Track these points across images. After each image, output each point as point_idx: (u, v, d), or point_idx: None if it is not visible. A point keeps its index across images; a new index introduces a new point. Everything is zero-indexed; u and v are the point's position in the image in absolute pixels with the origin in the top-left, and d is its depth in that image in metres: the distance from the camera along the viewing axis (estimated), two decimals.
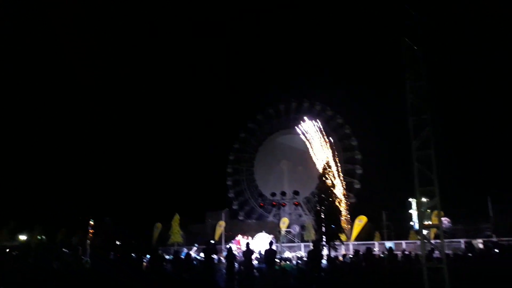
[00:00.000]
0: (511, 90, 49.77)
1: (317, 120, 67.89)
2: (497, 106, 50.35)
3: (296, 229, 61.86)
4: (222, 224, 54.91)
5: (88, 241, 51.11)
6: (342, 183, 63.31)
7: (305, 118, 67.62)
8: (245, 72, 75.34)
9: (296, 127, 71.08)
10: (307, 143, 68.47)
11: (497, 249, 24.99)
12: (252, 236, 54.81)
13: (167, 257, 32.78)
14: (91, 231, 52.93)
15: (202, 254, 37.58)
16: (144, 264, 26.32)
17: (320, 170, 63.44)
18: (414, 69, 19.23)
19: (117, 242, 58.87)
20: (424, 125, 18.61)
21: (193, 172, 71.99)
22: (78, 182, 59.33)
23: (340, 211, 57.14)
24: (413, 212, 60.21)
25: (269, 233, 53.65)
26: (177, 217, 57.63)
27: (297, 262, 31.47)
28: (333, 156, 65.27)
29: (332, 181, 47.65)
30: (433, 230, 35.33)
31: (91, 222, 53.97)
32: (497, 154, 50.85)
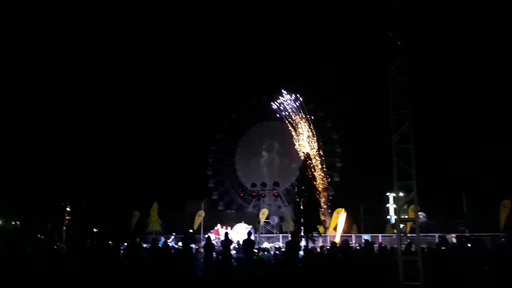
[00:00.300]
0: (492, 86, 50.76)
1: (300, 112, 68.06)
2: (478, 102, 51.31)
3: (275, 220, 62.21)
4: (201, 214, 54.76)
5: (64, 228, 50.33)
6: (322, 175, 63.86)
7: (289, 110, 67.71)
8: (227, 63, 74.71)
9: (277, 118, 71.15)
10: (289, 134, 68.67)
11: (469, 243, 25.65)
12: (231, 226, 54.90)
13: (144, 245, 32.57)
14: (67, 217, 52.14)
15: (180, 243, 37.52)
16: (121, 252, 26.10)
17: (301, 162, 63.87)
18: (396, 64, 19.40)
19: (94, 229, 58.26)
20: (405, 120, 18.87)
21: (174, 161, 71.50)
22: (55, 168, 58.17)
23: (319, 203, 57.73)
24: (390, 206, 61.31)
25: (248, 224, 53.82)
26: (155, 206, 57.20)
27: (275, 253, 31.72)
28: (314, 148, 65.68)
29: (312, 173, 47.85)
30: (409, 224, 35.97)
31: (68, 209, 53.14)
32: (474, 151, 52.03)
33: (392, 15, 19.51)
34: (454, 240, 38.94)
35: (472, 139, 52.09)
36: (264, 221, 54.43)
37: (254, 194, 46.57)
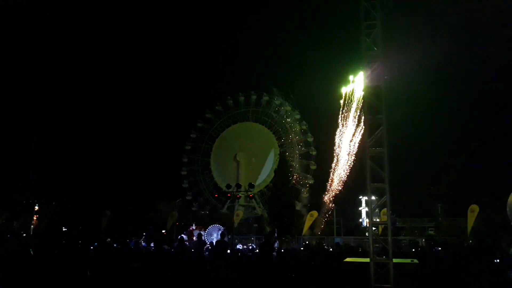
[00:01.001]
0: (466, 91, 52.23)
1: (277, 114, 68.35)
2: (451, 108, 52.69)
3: (250, 221, 62.19)
4: (174, 215, 54.10)
5: (32, 226, 48.84)
6: (296, 177, 64.26)
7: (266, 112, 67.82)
8: (205, 62, 74.21)
9: (253, 119, 71.23)
10: (265, 135, 68.86)
11: (438, 247, 26.28)
12: (205, 228, 54.52)
13: (115, 245, 31.92)
14: (35, 216, 50.62)
15: (152, 244, 36.96)
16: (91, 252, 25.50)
17: (277, 164, 64.08)
18: (372, 69, 19.66)
19: (64, 228, 56.73)
20: (379, 125, 19.15)
21: (147, 160, 70.42)
22: (22, 163, 56.33)
23: (294, 206, 58.08)
24: (363, 209, 62.31)
25: (222, 225, 53.57)
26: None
27: (248, 254, 31.62)
28: (292, 149, 66.03)
29: (287, 175, 48.12)
30: (381, 227, 36.46)
31: (36, 207, 51.60)
32: (445, 157, 53.42)
33: (368, 21, 19.81)
34: (423, 244, 39.85)
35: (443, 145, 53.51)
36: (238, 223, 54.23)
37: (229, 195, 46.30)
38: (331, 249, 32.39)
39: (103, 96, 69.84)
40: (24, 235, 47.63)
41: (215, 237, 52.50)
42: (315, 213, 56.09)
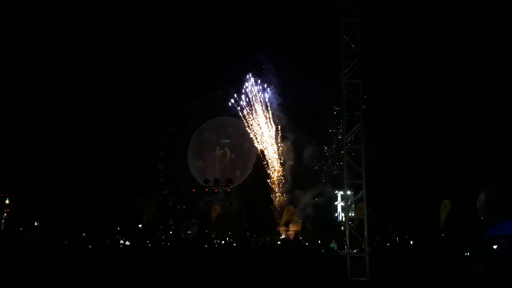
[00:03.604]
0: (443, 89, 53.24)
1: (255, 109, 68.26)
2: (427, 105, 53.67)
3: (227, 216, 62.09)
4: (150, 210, 53.56)
5: (3, 221, 47.46)
6: (275, 172, 64.45)
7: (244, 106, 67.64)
8: (182, 56, 73.29)
9: (232, 114, 70.94)
10: (243, 130, 68.74)
11: (412, 240, 26.97)
12: (182, 223, 54.23)
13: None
14: (6, 210, 49.17)
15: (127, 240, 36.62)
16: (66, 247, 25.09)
17: (255, 159, 64.22)
18: (350, 66, 19.93)
19: (36, 223, 55.34)
20: (356, 121, 19.46)
21: (123, 155, 69.15)
22: None
23: (271, 201, 58.45)
24: (339, 204, 63.03)
25: (199, 220, 53.41)
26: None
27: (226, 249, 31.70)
28: (271, 144, 66.08)
29: (265, 171, 48.31)
30: (356, 222, 37.07)
31: (7, 201, 50.14)
32: (418, 153, 54.46)
33: (347, 19, 20.03)
34: (397, 238, 40.79)
35: (417, 141, 54.42)
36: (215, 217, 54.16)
37: (206, 190, 46.15)
38: (306, 244, 32.84)
39: (77, 89, 68.00)
40: None
41: (192, 232, 52.47)
42: (291, 208, 56.61)
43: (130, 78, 71.62)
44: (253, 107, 67.26)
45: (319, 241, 36.90)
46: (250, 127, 68.00)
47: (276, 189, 62.16)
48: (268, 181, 60.00)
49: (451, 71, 53.33)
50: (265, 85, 65.65)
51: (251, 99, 67.41)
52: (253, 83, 66.66)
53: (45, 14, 59.06)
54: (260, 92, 66.86)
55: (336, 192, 61.89)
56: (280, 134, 65.31)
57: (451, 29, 50.61)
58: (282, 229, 51.86)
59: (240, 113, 68.77)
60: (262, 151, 60.43)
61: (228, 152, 71.38)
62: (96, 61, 67.10)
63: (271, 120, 65.94)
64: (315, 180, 58.48)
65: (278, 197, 62.22)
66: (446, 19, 49.50)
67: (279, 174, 62.90)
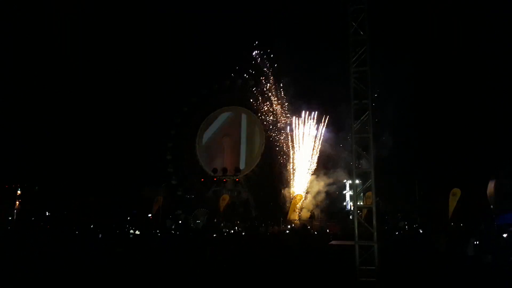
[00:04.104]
0: (450, 79, 52.64)
1: (262, 98, 67.99)
2: (436, 94, 53.11)
3: (236, 205, 62.34)
4: (159, 199, 53.92)
5: (15, 211, 48.23)
6: (282, 161, 64.29)
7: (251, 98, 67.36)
8: (189, 46, 72.92)
9: (239, 103, 70.80)
10: (251, 119, 68.66)
11: (421, 229, 26.87)
12: (191, 212, 54.59)
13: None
14: (18, 200, 49.94)
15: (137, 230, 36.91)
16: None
17: (263, 148, 64.15)
18: (358, 54, 19.69)
19: (47, 213, 56.14)
20: (365, 110, 19.27)
21: (132, 146, 69.57)
22: (6, 147, 55.11)
23: (280, 190, 58.50)
24: (347, 193, 62.91)
25: (208, 210, 53.74)
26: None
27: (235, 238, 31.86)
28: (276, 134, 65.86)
29: (273, 159, 48.18)
30: (365, 211, 36.96)
31: (18, 192, 50.89)
32: (427, 142, 54.07)
33: (356, 6, 19.74)
34: (407, 227, 40.68)
35: (427, 130, 54.06)
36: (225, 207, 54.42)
37: (215, 179, 46.30)
38: (315, 232, 32.88)
39: (86, 82, 68.30)
40: (10, 218, 47.16)
41: (201, 221, 52.81)
42: (299, 196, 56.64)
43: (138, 69, 71.69)
44: (265, 95, 66.85)
45: (327, 230, 36.98)
46: (259, 116, 67.84)
47: (287, 177, 61.75)
48: (277, 170, 59.82)
49: (461, 58, 52.60)
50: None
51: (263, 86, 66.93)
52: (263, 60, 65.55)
53: (45, 14, 59.18)
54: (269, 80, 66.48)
55: (345, 181, 61.69)
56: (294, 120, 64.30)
57: (459, 17, 49.80)
58: (292, 217, 51.92)
59: (248, 102, 68.68)
60: (271, 140, 60.22)
61: (237, 142, 71.41)
62: (103, 53, 67.17)
63: (284, 106, 65.23)
64: (330, 168, 58.01)
65: (287, 185, 62.02)
66: (455, 8, 48.72)
67: (291, 161, 62.23)
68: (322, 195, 56.44)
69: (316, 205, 57.32)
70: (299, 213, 55.51)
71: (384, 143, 46.71)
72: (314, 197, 57.04)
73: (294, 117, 61.10)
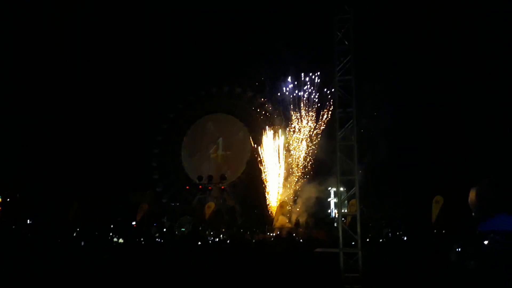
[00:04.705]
0: (436, 87, 53.50)
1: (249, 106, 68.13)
2: (419, 101, 53.93)
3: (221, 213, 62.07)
4: (144, 207, 53.42)
5: None
6: (267, 169, 64.32)
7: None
8: (176, 53, 72.78)
9: (225, 111, 70.79)
10: (236, 127, 68.67)
11: (404, 236, 27.20)
12: (176, 220, 54.13)
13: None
14: None
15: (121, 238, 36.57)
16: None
17: (248, 155, 64.03)
18: (343, 63, 20.00)
19: (28, 221, 55.01)
20: (349, 118, 19.56)
21: (117, 152, 68.80)
22: None
23: (265, 197, 58.47)
24: (332, 200, 63.19)
25: (193, 217, 53.35)
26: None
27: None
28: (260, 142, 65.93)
29: (259, 167, 48.16)
30: (349, 218, 37.24)
31: None
32: (410, 149, 54.80)
33: (341, 15, 20.08)
34: (390, 234, 41.06)
35: (410, 138, 54.70)
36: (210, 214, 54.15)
37: (200, 187, 46.10)
38: (301, 240, 32.99)
39: (70, 86, 67.49)
40: None
41: (186, 229, 52.43)
42: (285, 203, 56.69)
43: (124, 76, 71.13)
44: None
45: (312, 237, 37.10)
46: (246, 123, 67.89)
47: (273, 184, 61.65)
48: (264, 177, 59.75)
49: (445, 69, 53.64)
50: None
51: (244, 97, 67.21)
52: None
53: (45, 14, 58.62)
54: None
55: (329, 188, 61.99)
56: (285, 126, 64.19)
57: (445, 25, 50.79)
58: (277, 224, 51.82)
59: (235, 110, 68.77)
60: (256, 148, 60.16)
61: (222, 149, 71.29)
62: (91, 60, 66.52)
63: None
64: (318, 175, 58.09)
65: (273, 192, 61.98)
66: (440, 15, 49.67)
67: (279, 168, 62.01)
68: (309, 202, 56.57)
69: (302, 212, 57.45)
70: (287, 218, 55.44)
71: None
72: (300, 204, 57.17)
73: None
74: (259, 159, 59.22)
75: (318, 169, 57.71)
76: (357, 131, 19.23)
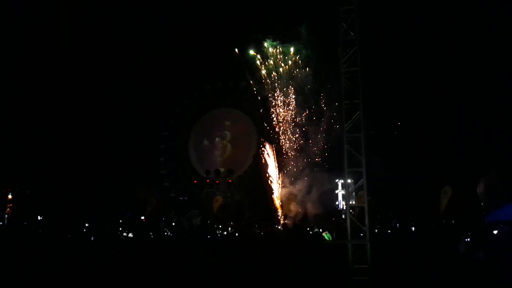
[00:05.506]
0: (442, 80, 53.00)
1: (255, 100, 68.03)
2: (427, 93, 53.46)
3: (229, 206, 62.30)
4: (152, 202, 53.85)
5: (6, 216, 47.83)
6: (276, 162, 64.33)
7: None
8: (181, 47, 72.73)
9: (231, 105, 70.85)
10: (243, 121, 68.70)
11: (413, 227, 27.14)
12: (184, 214, 54.49)
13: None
14: (9, 205, 49.51)
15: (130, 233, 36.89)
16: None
17: (255, 149, 64.16)
18: (349, 54, 19.86)
19: (39, 217, 55.71)
20: (356, 110, 19.46)
21: (124, 147, 69.22)
22: None
23: (272, 191, 58.56)
24: (339, 192, 63.13)
25: (201, 211, 53.67)
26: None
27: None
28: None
29: (265, 161, 48.23)
30: (357, 210, 37.17)
31: (9, 196, 50.45)
32: (417, 140, 54.44)
33: (346, 6, 19.91)
34: (398, 225, 40.95)
35: (417, 127, 54.37)
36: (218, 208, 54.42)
37: (208, 181, 46.31)
38: (311, 232, 33.05)
39: (77, 83, 67.80)
40: (1, 223, 46.74)
41: (194, 223, 52.75)
42: (293, 197, 56.75)
43: (130, 71, 71.25)
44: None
45: (320, 229, 37.14)
46: (251, 117, 67.90)
47: (282, 177, 61.56)
48: (270, 171, 59.79)
49: (451, 59, 53.02)
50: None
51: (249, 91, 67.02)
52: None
53: (45, 14, 58.79)
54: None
55: (337, 180, 61.90)
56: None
57: (452, 15, 50.15)
58: (286, 212, 51.80)
59: (241, 104, 68.77)
60: (263, 140, 60.14)
61: (230, 143, 71.44)
62: (97, 57, 66.65)
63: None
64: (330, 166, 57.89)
65: (280, 186, 62.04)
66: (446, 4, 49.06)
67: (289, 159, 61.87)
68: (316, 194, 56.50)
69: (309, 204, 57.41)
70: (296, 209, 55.41)
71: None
72: (308, 196, 57.15)
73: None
74: (266, 152, 59.24)
75: (328, 162, 57.66)
76: (364, 124, 19.12)
